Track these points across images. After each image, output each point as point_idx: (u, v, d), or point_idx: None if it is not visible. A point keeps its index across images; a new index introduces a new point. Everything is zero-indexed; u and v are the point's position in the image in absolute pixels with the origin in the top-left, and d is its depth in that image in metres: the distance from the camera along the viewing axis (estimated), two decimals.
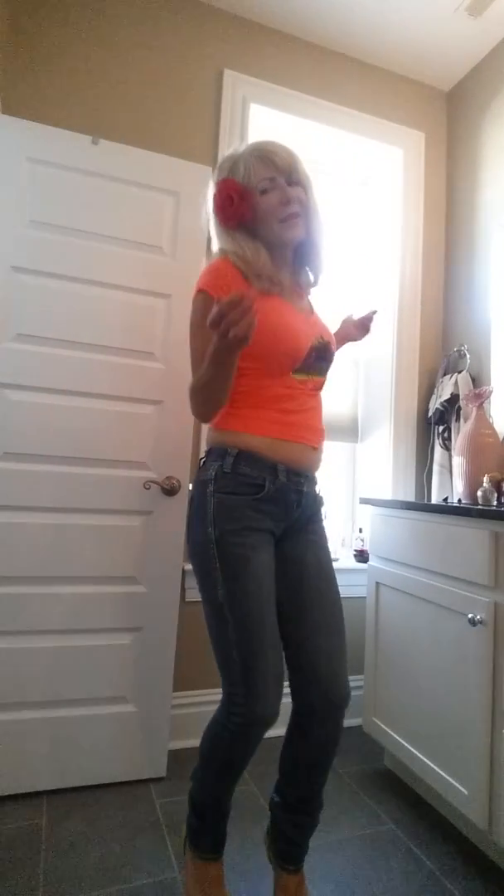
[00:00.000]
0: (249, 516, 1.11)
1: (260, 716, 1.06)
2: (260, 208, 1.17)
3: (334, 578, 1.23)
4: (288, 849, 1.18)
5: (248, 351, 1.05)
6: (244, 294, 0.90)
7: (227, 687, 1.10)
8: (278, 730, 1.08)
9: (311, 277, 1.30)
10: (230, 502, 1.11)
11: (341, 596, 1.23)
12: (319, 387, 1.26)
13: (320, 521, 1.28)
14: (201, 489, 1.15)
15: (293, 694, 1.16)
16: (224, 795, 1.17)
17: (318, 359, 1.22)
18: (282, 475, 1.14)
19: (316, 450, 1.22)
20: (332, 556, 1.27)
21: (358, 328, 1.51)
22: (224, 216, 1.18)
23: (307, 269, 1.29)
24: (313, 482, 1.24)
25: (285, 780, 1.19)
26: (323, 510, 1.30)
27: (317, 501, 1.26)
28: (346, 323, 1.52)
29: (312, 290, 1.32)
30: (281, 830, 1.19)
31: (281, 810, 1.19)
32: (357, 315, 1.54)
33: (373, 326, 1.53)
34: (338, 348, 1.42)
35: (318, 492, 1.27)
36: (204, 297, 1.13)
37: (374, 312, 1.50)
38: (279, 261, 1.22)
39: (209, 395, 1.12)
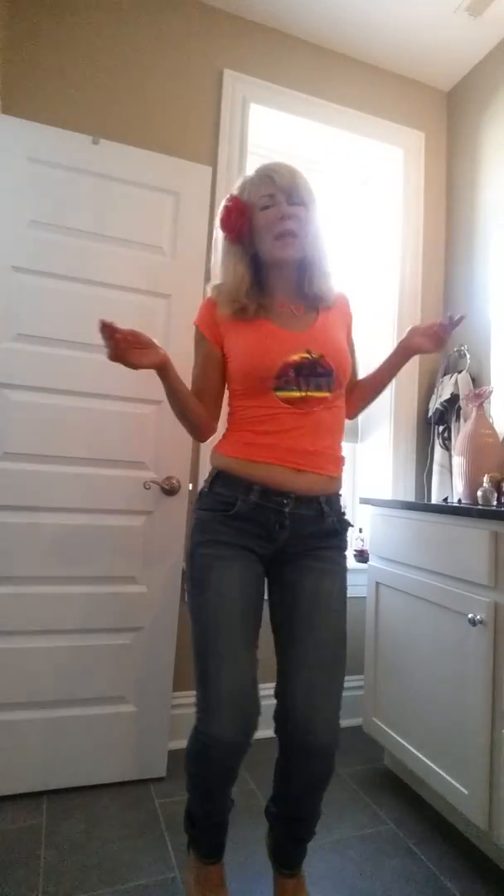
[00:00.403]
0: (219, 530, 1.14)
1: (214, 737, 1.01)
2: (258, 224, 1.18)
3: (336, 609, 1.13)
4: (284, 855, 1.18)
5: (230, 373, 1.23)
6: (101, 323, 1.10)
7: (197, 695, 1.08)
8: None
9: (314, 294, 1.23)
10: (205, 517, 1.17)
11: None
12: (321, 404, 1.17)
13: (334, 547, 1.19)
14: (194, 508, 1.23)
15: (275, 720, 1.11)
16: (211, 809, 1.12)
17: (307, 374, 1.15)
18: (255, 495, 1.13)
19: (301, 472, 1.14)
20: None
21: (427, 337, 1.29)
22: (223, 228, 1.21)
23: (308, 288, 1.23)
24: (311, 507, 1.16)
25: (278, 795, 1.17)
26: (346, 538, 1.23)
27: (321, 525, 1.17)
28: (413, 332, 1.31)
29: (327, 304, 1.25)
30: (276, 838, 1.19)
31: (275, 820, 1.18)
32: (428, 323, 1.33)
33: (450, 331, 1.29)
34: (399, 361, 1.33)
35: (327, 517, 1.17)
36: (196, 331, 1.28)
37: (460, 318, 1.27)
38: (276, 279, 1.23)
39: (174, 411, 1.26)
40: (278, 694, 1.11)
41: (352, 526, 1.26)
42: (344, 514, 1.23)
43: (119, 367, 1.71)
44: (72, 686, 1.62)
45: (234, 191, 1.23)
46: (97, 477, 1.67)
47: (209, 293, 1.26)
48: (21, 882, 1.25)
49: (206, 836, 1.17)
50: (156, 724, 1.69)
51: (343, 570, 1.19)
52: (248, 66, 2.11)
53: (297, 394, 1.15)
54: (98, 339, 1.67)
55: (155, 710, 1.69)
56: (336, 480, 1.21)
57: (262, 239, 1.18)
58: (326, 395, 1.17)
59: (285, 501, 1.13)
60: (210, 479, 1.21)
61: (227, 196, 1.23)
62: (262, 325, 1.19)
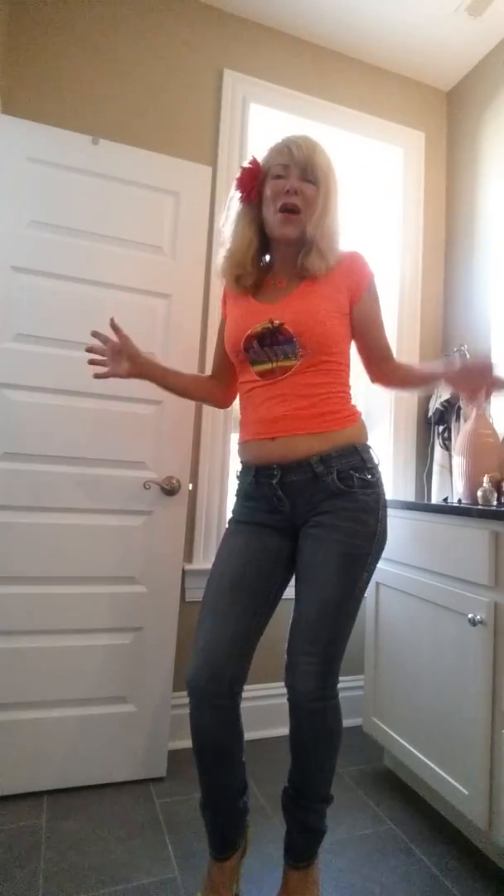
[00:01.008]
0: (238, 511, 1.26)
1: (188, 682, 1.09)
2: (266, 192, 1.21)
3: (323, 580, 1.11)
4: (289, 840, 1.18)
5: None
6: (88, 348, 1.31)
7: None
8: (279, 729, 1.08)
9: (301, 268, 1.20)
10: (234, 506, 1.29)
11: None
12: (288, 372, 1.16)
13: (336, 508, 1.13)
14: None
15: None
16: (207, 782, 1.14)
17: (270, 344, 1.17)
18: (251, 475, 1.22)
19: (274, 440, 1.16)
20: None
21: (467, 387, 1.14)
22: (238, 186, 1.25)
23: (299, 262, 1.20)
24: (299, 471, 1.14)
25: (291, 762, 1.19)
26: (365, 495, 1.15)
27: (319, 487, 1.14)
28: (463, 372, 1.14)
29: (315, 275, 1.20)
30: (287, 821, 1.19)
31: (284, 794, 1.20)
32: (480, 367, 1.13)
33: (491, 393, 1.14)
34: (431, 379, 1.25)
35: (322, 477, 1.14)
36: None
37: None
38: (278, 255, 1.27)
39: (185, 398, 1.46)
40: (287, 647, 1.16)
41: (374, 478, 1.18)
42: (355, 468, 1.15)
43: None
44: (72, 686, 1.62)
45: (260, 157, 1.26)
46: (97, 477, 1.67)
47: (219, 261, 1.29)
48: (21, 882, 1.25)
49: (209, 820, 1.16)
50: (156, 724, 1.69)
51: (346, 533, 1.12)
52: (248, 66, 2.11)
53: (269, 365, 1.20)
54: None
55: (155, 710, 1.69)
56: (326, 436, 1.15)
57: (268, 208, 1.21)
58: (294, 362, 1.17)
59: (274, 473, 1.17)
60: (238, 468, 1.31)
61: (251, 158, 1.25)
62: (246, 301, 1.26)
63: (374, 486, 1.18)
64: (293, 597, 1.19)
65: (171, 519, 1.74)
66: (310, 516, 1.16)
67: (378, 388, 1.39)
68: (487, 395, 1.13)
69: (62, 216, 1.68)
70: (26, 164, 1.65)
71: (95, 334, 1.33)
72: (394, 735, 1.63)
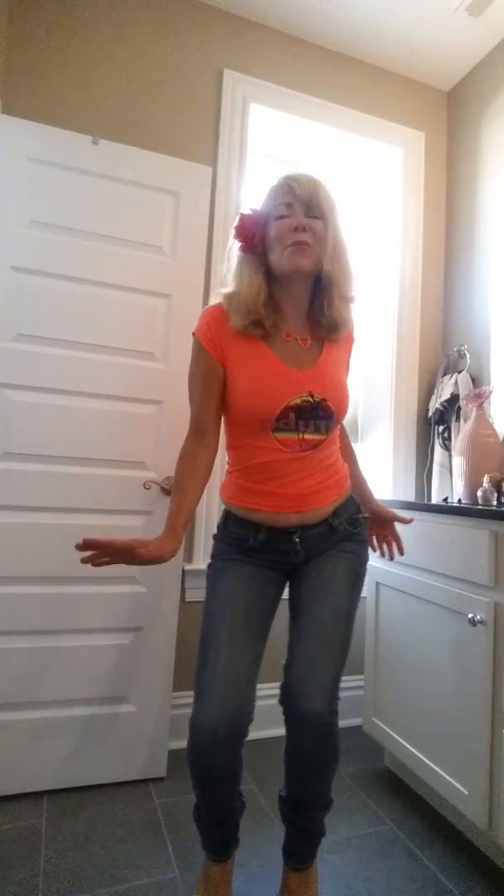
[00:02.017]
0: (236, 549, 1.19)
1: (198, 721, 1.02)
2: (270, 235, 1.14)
3: (336, 587, 1.15)
4: (289, 845, 1.18)
5: (229, 404, 1.18)
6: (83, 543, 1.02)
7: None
8: (278, 729, 1.07)
9: (329, 322, 1.17)
10: (222, 547, 1.22)
11: None
12: (314, 446, 1.16)
13: (348, 547, 1.20)
14: (214, 536, 1.27)
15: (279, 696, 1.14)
16: (208, 803, 1.11)
17: (307, 418, 1.13)
18: (262, 534, 1.17)
19: (301, 513, 1.15)
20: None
21: (380, 536, 1.43)
22: (237, 236, 1.17)
23: (326, 312, 1.17)
24: (319, 527, 1.18)
25: (286, 775, 1.18)
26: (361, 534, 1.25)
27: (333, 537, 1.19)
28: (380, 522, 1.41)
29: (338, 335, 1.20)
30: (286, 827, 1.19)
31: (283, 804, 1.19)
32: (386, 517, 1.40)
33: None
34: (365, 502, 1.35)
35: (338, 528, 1.19)
36: (195, 341, 1.20)
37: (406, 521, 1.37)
38: (287, 297, 1.18)
39: None
40: (285, 668, 1.13)
41: (366, 516, 1.29)
42: (356, 514, 1.24)
43: (119, 367, 1.73)
44: (72, 686, 1.62)
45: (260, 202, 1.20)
46: (97, 477, 1.67)
47: (216, 300, 1.19)
48: (21, 882, 1.25)
49: (208, 831, 1.15)
50: (156, 724, 1.69)
51: (354, 554, 1.20)
52: (248, 66, 2.10)
53: (294, 436, 1.14)
54: (98, 339, 1.70)
55: (155, 710, 1.69)
56: (338, 498, 1.21)
57: (273, 250, 1.13)
58: (324, 437, 1.17)
59: (293, 530, 1.16)
60: (223, 516, 1.24)
61: (251, 208, 1.19)
62: (264, 353, 1.14)
63: (366, 520, 1.30)
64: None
65: None
66: (316, 557, 1.20)
67: None
68: (390, 547, 1.42)
69: (62, 216, 1.68)
70: (26, 164, 1.65)
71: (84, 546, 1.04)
72: (394, 735, 1.63)
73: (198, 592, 1.89)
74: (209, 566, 1.22)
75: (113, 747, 1.65)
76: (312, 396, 1.13)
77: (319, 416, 1.15)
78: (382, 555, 1.44)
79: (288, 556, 1.18)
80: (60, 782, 1.60)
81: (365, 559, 1.24)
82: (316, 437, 1.15)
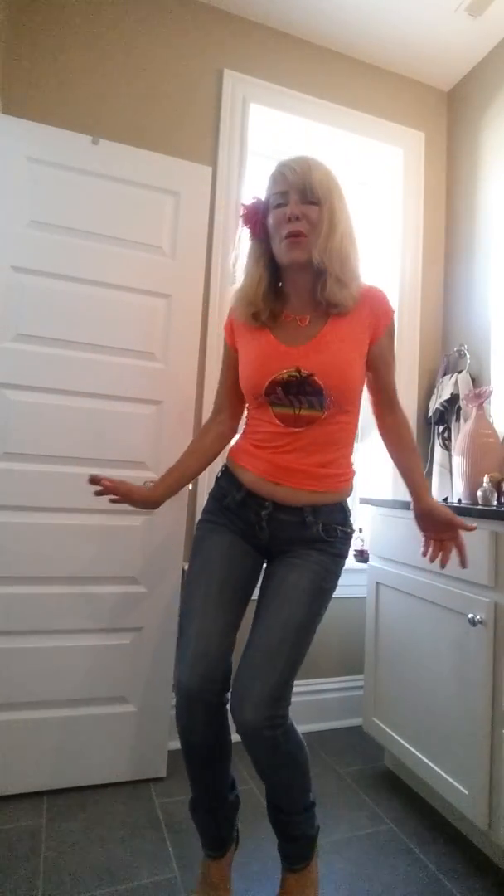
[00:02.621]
0: (217, 512, 1.24)
1: (181, 685, 1.07)
2: (270, 224, 1.16)
3: (294, 599, 1.10)
4: (282, 846, 1.18)
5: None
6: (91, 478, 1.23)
7: None
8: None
9: (327, 303, 1.16)
10: (210, 500, 1.28)
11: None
12: (313, 423, 1.15)
13: (317, 549, 1.16)
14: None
15: None
16: (197, 784, 1.15)
17: (296, 393, 1.13)
18: (240, 494, 1.20)
19: (278, 485, 1.15)
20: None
21: (438, 539, 1.24)
22: (243, 222, 1.22)
23: (320, 296, 1.16)
24: (291, 513, 1.16)
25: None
26: (340, 547, 1.20)
27: (303, 533, 1.16)
28: (436, 523, 1.23)
29: (342, 312, 1.17)
30: (274, 832, 1.19)
31: (268, 809, 1.19)
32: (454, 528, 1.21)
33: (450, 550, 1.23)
34: (406, 483, 1.27)
35: (311, 525, 1.16)
36: (224, 336, 1.34)
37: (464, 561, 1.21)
38: (291, 284, 1.20)
39: None
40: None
41: (352, 532, 1.23)
42: (340, 525, 1.19)
43: (119, 367, 1.73)
44: (72, 686, 1.62)
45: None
46: None
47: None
48: (21, 882, 1.25)
49: (201, 821, 1.18)
50: (156, 724, 1.69)
51: (322, 568, 1.15)
52: (248, 66, 2.11)
53: (290, 411, 1.16)
54: (98, 339, 1.70)
55: (155, 710, 1.69)
56: (323, 494, 1.17)
57: (273, 239, 1.16)
58: (320, 414, 1.15)
59: (265, 505, 1.18)
60: (221, 469, 1.29)
61: (255, 196, 1.22)
62: (263, 336, 1.20)
63: (349, 538, 1.23)
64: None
65: (171, 519, 1.74)
66: (282, 550, 1.19)
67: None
68: (446, 555, 1.23)
69: (62, 216, 1.68)
70: (26, 164, 1.65)
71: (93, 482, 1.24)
72: (394, 735, 1.63)
73: None
74: (196, 528, 1.27)
75: (113, 747, 1.65)
76: (299, 371, 1.14)
77: (307, 391, 1.14)
78: (433, 560, 1.25)
79: (254, 529, 1.19)
80: (60, 782, 1.60)
81: (334, 575, 1.18)
82: (312, 412, 1.15)
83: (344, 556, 1.22)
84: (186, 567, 1.22)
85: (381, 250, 2.37)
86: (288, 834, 1.16)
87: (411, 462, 1.27)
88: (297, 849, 1.16)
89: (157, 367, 1.75)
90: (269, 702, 1.03)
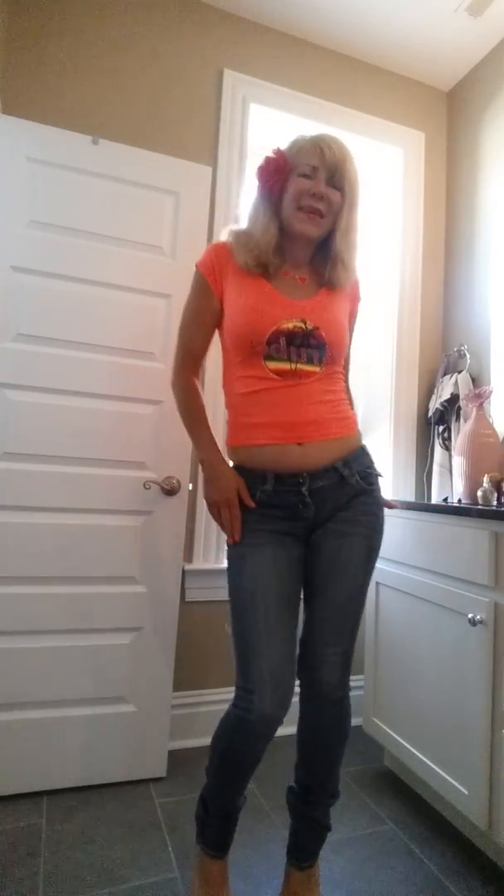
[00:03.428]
0: (247, 519, 1.15)
1: (256, 711, 1.05)
2: (289, 188, 1.16)
3: (351, 571, 1.15)
4: (294, 841, 1.20)
5: (224, 332, 1.22)
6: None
7: (236, 678, 1.12)
8: (285, 728, 1.09)
9: (329, 281, 1.21)
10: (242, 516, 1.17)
11: None
12: (309, 378, 1.15)
13: (357, 506, 1.17)
14: None
15: (298, 677, 1.18)
16: (225, 791, 1.15)
17: (299, 345, 1.13)
18: (269, 484, 1.14)
19: (304, 445, 1.13)
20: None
21: None
22: (258, 177, 1.19)
23: (328, 275, 1.21)
24: (328, 476, 1.14)
25: (298, 760, 1.22)
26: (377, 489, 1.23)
27: (345, 490, 1.16)
28: None
29: (337, 287, 1.23)
30: (292, 821, 1.21)
31: (291, 794, 1.22)
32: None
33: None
34: None
35: (349, 479, 1.16)
36: (197, 274, 1.25)
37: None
38: (292, 250, 1.21)
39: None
40: (301, 642, 1.17)
41: (381, 476, 1.25)
42: (369, 468, 1.21)
43: (119, 367, 1.73)
44: (72, 686, 1.62)
45: (286, 146, 1.20)
46: (97, 477, 1.67)
47: (224, 237, 1.23)
48: (21, 882, 1.25)
49: (216, 824, 1.17)
50: (156, 724, 1.69)
51: (369, 529, 1.18)
52: (248, 66, 2.10)
53: (287, 365, 1.14)
54: (98, 339, 1.70)
55: (155, 710, 1.69)
56: (347, 440, 1.19)
57: (288, 204, 1.16)
58: (316, 369, 1.16)
59: (300, 481, 1.13)
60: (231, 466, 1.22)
61: (275, 148, 1.19)
62: (261, 285, 1.17)
63: (379, 480, 1.25)
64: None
65: (171, 519, 1.74)
66: (334, 514, 1.17)
67: None
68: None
69: (62, 216, 1.68)
70: (26, 164, 1.65)
71: None
72: (394, 735, 1.63)
73: (198, 592, 1.89)
74: (229, 547, 1.17)
75: (113, 747, 1.65)
76: (305, 323, 1.15)
77: (311, 344, 1.14)
78: None
79: (297, 510, 1.14)
80: (60, 782, 1.60)
81: (380, 527, 1.21)
82: (309, 367, 1.15)
83: (382, 499, 1.24)
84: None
85: (381, 250, 2.37)
86: (311, 819, 1.18)
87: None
88: (313, 839, 1.19)
89: (157, 367, 1.75)
90: (344, 666, 1.15)
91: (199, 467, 1.26)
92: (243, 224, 1.22)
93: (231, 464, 1.21)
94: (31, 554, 1.60)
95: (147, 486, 1.69)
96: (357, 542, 1.16)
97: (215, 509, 1.16)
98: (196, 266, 1.25)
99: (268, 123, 2.17)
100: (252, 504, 1.14)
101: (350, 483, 1.16)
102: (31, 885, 1.25)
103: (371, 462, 1.23)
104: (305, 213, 1.14)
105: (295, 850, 1.19)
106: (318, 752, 1.18)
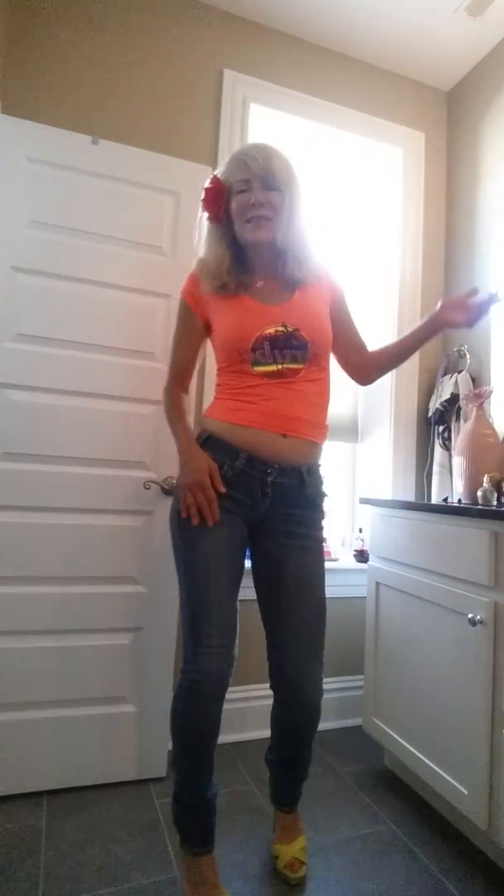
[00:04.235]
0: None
1: (204, 672, 1.14)
2: (233, 208, 1.25)
3: (316, 585, 1.27)
4: (282, 794, 1.37)
5: (214, 347, 1.34)
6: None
7: (182, 648, 1.20)
8: (265, 731, 1.15)
9: (291, 276, 1.28)
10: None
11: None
12: (296, 375, 1.24)
13: (312, 522, 1.29)
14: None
15: (270, 679, 1.29)
16: (195, 773, 1.18)
17: (283, 347, 1.22)
18: (241, 461, 1.22)
19: (286, 437, 1.22)
20: (333, 555, 1.31)
21: (459, 310, 1.30)
22: (204, 207, 1.29)
23: (282, 273, 1.28)
24: (292, 475, 1.24)
25: (274, 742, 1.35)
26: (325, 508, 1.33)
27: (301, 498, 1.26)
28: (445, 305, 1.32)
29: (307, 285, 1.29)
30: (275, 781, 1.38)
31: (273, 765, 1.37)
32: (460, 294, 1.33)
33: (486, 309, 1.31)
34: (427, 334, 1.35)
35: (308, 487, 1.26)
36: (181, 299, 1.37)
37: (494, 296, 1.30)
38: (257, 260, 1.29)
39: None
40: (271, 659, 1.28)
41: (327, 496, 1.34)
42: (322, 486, 1.32)
43: (119, 367, 1.73)
44: (72, 686, 1.62)
45: (220, 170, 1.29)
46: (97, 477, 1.67)
47: (194, 267, 1.34)
48: (21, 882, 1.25)
49: (194, 816, 1.20)
50: (156, 724, 1.69)
51: (320, 543, 1.31)
52: (248, 66, 2.11)
53: (273, 367, 1.23)
54: (98, 339, 1.70)
55: (155, 710, 1.69)
56: (317, 448, 1.30)
57: (236, 222, 1.25)
58: (302, 366, 1.24)
59: (269, 471, 1.22)
60: (200, 441, 1.28)
61: (210, 177, 1.29)
62: (241, 300, 1.27)
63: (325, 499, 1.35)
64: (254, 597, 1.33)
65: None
66: (284, 521, 1.26)
67: (366, 384, 1.50)
68: (479, 312, 1.30)
69: (62, 216, 1.68)
70: (26, 164, 1.65)
71: None
72: (394, 735, 1.63)
73: None
74: (179, 511, 1.22)
75: (113, 747, 1.65)
76: (285, 326, 1.24)
77: (294, 345, 1.24)
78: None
79: (255, 497, 1.23)
80: (60, 782, 1.60)
81: (322, 535, 1.33)
82: (295, 365, 1.24)
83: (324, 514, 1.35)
84: (179, 552, 1.23)
85: (381, 250, 2.37)
86: (291, 777, 1.34)
87: (391, 345, 1.43)
88: (294, 792, 1.36)
89: (157, 367, 1.75)
90: (319, 676, 1.26)
91: None
92: (202, 253, 1.32)
93: (202, 435, 1.29)
94: (31, 554, 1.60)
95: (147, 486, 1.69)
96: (316, 557, 1.28)
97: (189, 493, 1.19)
98: (181, 293, 1.36)
99: (268, 123, 2.17)
100: (223, 489, 1.20)
101: (307, 491, 1.27)
102: (31, 885, 1.25)
103: (321, 480, 1.33)
104: (253, 223, 1.23)
105: (283, 799, 1.37)
106: (298, 741, 1.31)
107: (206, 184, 1.27)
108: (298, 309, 1.26)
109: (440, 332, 1.37)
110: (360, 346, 1.43)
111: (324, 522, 1.33)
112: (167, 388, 1.40)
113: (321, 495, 1.31)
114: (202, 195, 1.28)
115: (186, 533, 1.22)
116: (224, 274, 1.26)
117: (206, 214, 1.30)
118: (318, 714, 1.28)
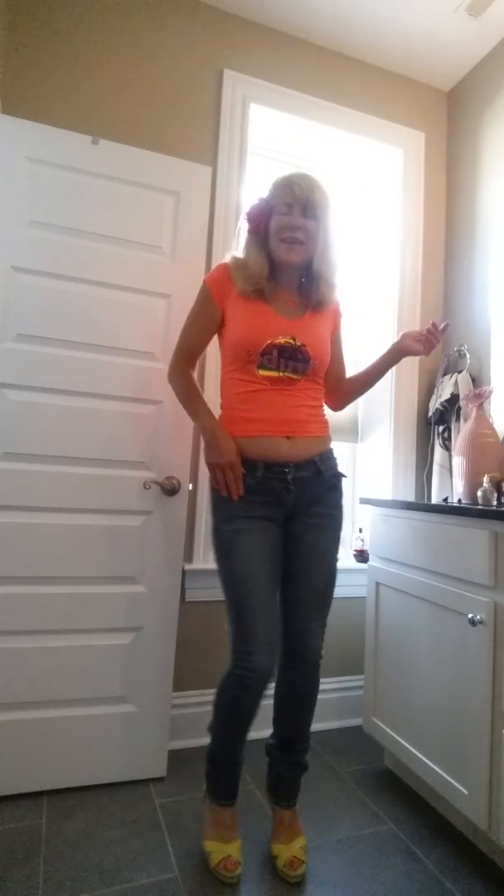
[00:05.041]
0: (235, 506, 1.33)
1: (254, 668, 1.24)
2: (272, 225, 1.36)
3: (329, 559, 1.40)
4: (282, 787, 1.40)
5: (224, 340, 1.43)
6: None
7: (230, 643, 1.30)
8: (262, 732, 1.16)
9: (316, 301, 1.41)
10: (220, 497, 1.36)
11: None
12: (294, 385, 1.36)
13: (330, 502, 1.41)
14: (210, 487, 1.40)
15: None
16: (232, 744, 1.32)
17: (288, 358, 1.35)
18: (260, 471, 1.33)
19: (291, 439, 1.34)
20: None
21: (417, 340, 1.48)
22: (248, 219, 1.40)
23: (314, 296, 1.41)
24: (308, 468, 1.36)
25: (276, 718, 1.42)
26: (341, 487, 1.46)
27: (320, 484, 1.38)
28: (405, 336, 1.51)
29: (323, 308, 1.43)
30: (275, 768, 1.42)
31: (272, 750, 1.43)
32: (419, 329, 1.54)
33: (440, 338, 1.48)
34: (390, 362, 1.52)
35: (324, 473, 1.38)
36: (204, 287, 1.44)
37: (445, 326, 1.49)
38: (282, 276, 1.41)
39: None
40: (285, 618, 1.38)
41: (345, 476, 1.48)
42: (337, 467, 1.45)
43: (118, 367, 1.73)
44: (72, 686, 1.62)
45: (268, 190, 1.40)
46: (97, 477, 1.67)
47: (227, 259, 1.42)
48: (21, 882, 1.25)
49: (226, 776, 1.35)
50: (156, 724, 1.69)
51: (336, 521, 1.43)
52: (248, 66, 2.11)
53: (276, 373, 1.35)
54: (98, 339, 1.70)
55: (155, 710, 1.69)
56: (324, 439, 1.43)
57: (273, 238, 1.36)
58: (300, 378, 1.37)
59: (286, 471, 1.34)
60: None
61: (259, 196, 1.40)
62: (261, 306, 1.38)
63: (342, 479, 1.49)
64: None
65: (171, 519, 1.74)
66: (308, 507, 1.38)
67: (338, 409, 1.64)
68: (434, 340, 1.47)
69: (62, 216, 1.68)
70: (26, 164, 1.65)
71: None
72: (394, 735, 1.63)
73: (198, 592, 1.89)
74: (217, 530, 1.35)
75: (113, 747, 1.65)
76: (294, 339, 1.36)
77: (298, 358, 1.36)
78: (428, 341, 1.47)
79: (281, 496, 1.34)
80: (60, 782, 1.60)
81: (342, 517, 1.46)
82: (294, 376, 1.37)
83: (343, 493, 1.48)
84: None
85: (382, 250, 2.37)
86: (296, 764, 1.41)
87: (358, 374, 1.58)
88: (294, 780, 1.41)
89: (157, 367, 1.75)
90: (322, 635, 1.39)
91: (200, 459, 1.42)
92: (240, 254, 1.40)
93: None
94: (32, 554, 1.60)
95: (147, 486, 1.69)
96: (329, 534, 1.41)
97: (218, 470, 1.33)
98: (204, 281, 1.44)
99: (268, 123, 2.18)
100: (242, 470, 1.32)
101: (324, 477, 1.39)
102: (31, 885, 1.25)
103: (336, 463, 1.46)
104: (287, 244, 1.34)
105: (283, 793, 1.40)
106: (300, 709, 1.39)
107: (257, 200, 1.39)
108: (308, 328, 1.39)
109: (400, 360, 1.54)
110: (341, 375, 1.57)
111: (342, 507, 1.45)
112: (175, 367, 1.48)
113: (338, 476, 1.44)
114: (249, 208, 1.39)
115: (224, 546, 1.33)
116: (263, 281, 1.37)
117: (246, 225, 1.40)
118: (317, 677, 1.39)
